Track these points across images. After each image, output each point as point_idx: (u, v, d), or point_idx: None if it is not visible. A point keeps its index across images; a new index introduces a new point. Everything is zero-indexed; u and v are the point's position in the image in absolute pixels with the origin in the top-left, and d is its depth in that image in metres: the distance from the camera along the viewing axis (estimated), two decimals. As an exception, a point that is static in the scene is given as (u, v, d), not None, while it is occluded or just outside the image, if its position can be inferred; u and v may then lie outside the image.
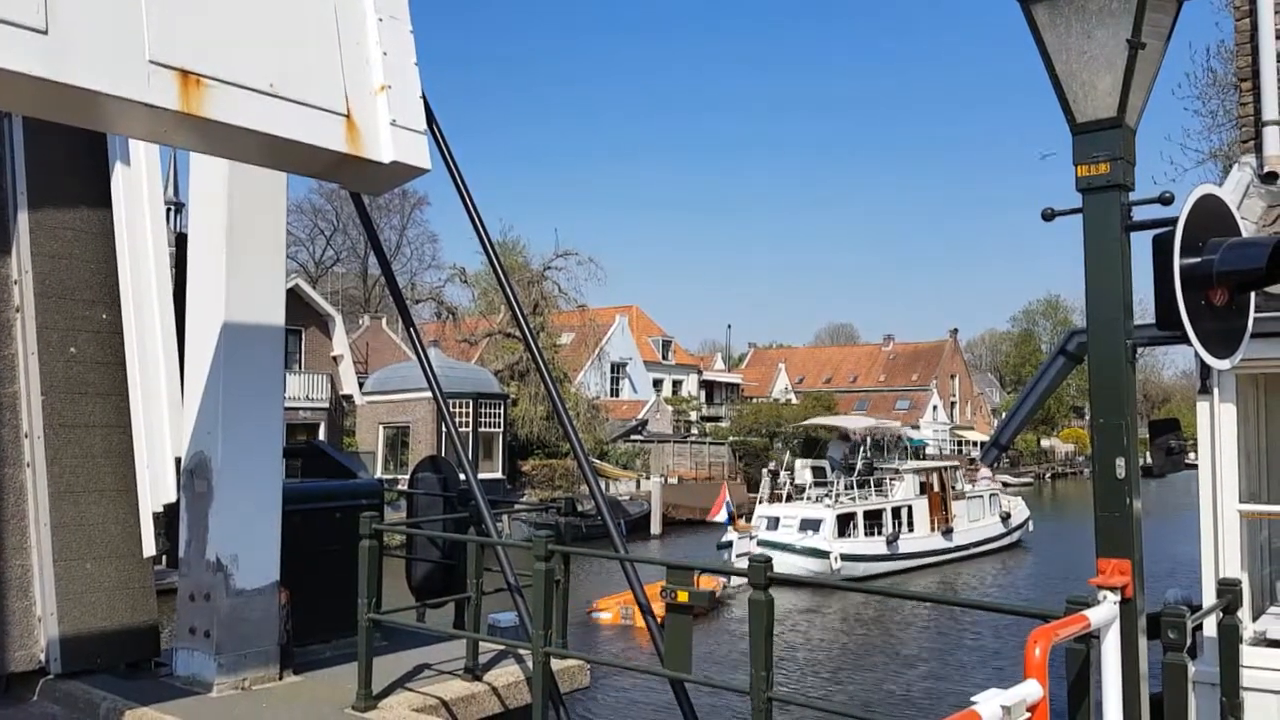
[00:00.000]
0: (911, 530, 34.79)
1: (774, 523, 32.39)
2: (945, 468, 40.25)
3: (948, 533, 36.34)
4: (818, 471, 37.08)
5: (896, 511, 34.55)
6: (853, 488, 34.69)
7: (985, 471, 46.18)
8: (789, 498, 35.39)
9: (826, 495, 34.18)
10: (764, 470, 41.12)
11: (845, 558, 31.12)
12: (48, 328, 6.93)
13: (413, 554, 8.04)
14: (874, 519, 33.63)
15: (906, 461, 40.50)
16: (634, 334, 73.13)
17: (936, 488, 37.08)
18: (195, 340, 6.86)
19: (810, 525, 31.81)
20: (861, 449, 38.64)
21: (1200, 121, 19.31)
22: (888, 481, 36.15)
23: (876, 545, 32.95)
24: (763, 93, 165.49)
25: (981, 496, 40.13)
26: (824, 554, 30.71)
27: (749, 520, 34.51)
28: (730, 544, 31.03)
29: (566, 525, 7.11)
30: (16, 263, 6.99)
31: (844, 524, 32.42)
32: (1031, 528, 41.57)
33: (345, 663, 6.79)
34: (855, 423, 43.94)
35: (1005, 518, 40.27)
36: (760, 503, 35.35)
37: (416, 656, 7.19)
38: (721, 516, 33.19)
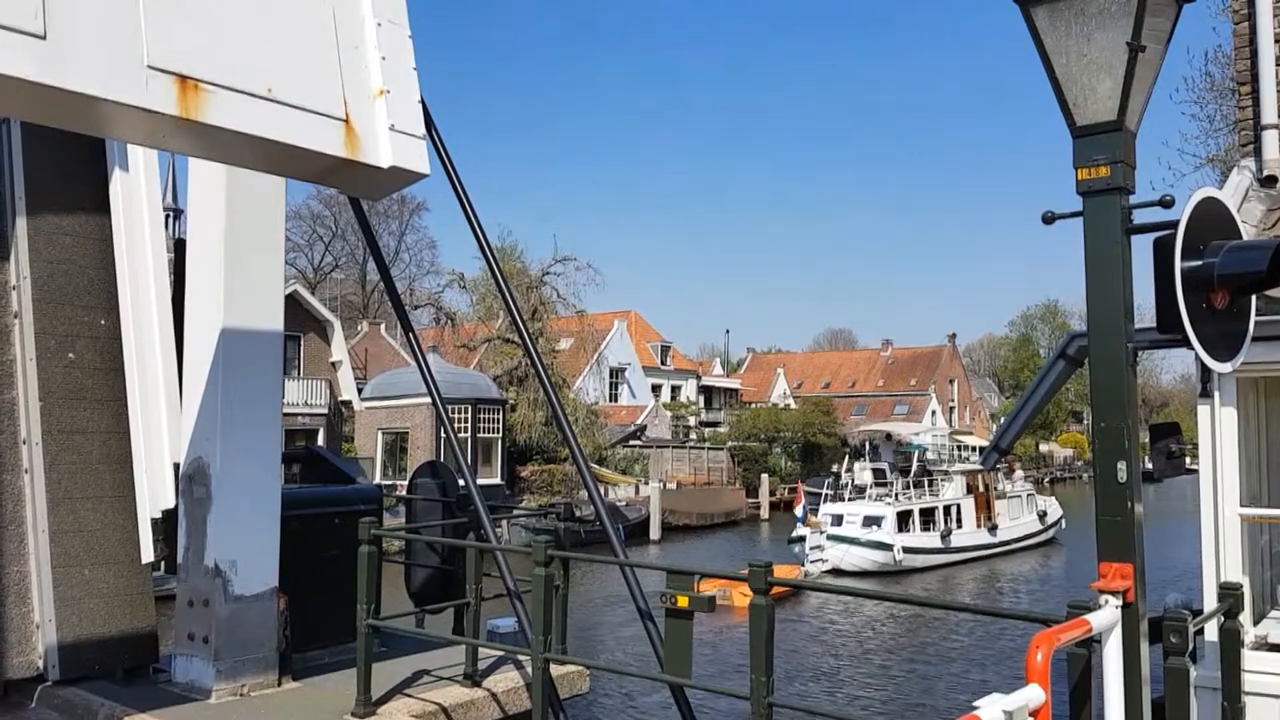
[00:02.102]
0: (961, 526, 38.14)
1: (838, 519, 35.60)
2: (988, 469, 42.73)
3: (993, 529, 39.88)
4: (878, 473, 41.01)
5: (948, 509, 38.03)
6: (909, 488, 38.50)
7: (1020, 473, 49.82)
8: (849, 497, 38.91)
9: (886, 494, 38.02)
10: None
11: (907, 550, 34.56)
12: (46, 333, 6.92)
13: (412, 560, 8.03)
14: (928, 516, 37.02)
15: (954, 464, 44.09)
16: (633, 339, 73.11)
17: (981, 488, 40.61)
18: (194, 346, 6.85)
19: (873, 521, 35.16)
20: (917, 453, 43.30)
21: (1198, 126, 19.43)
22: (938, 481, 39.90)
23: (933, 540, 36.43)
24: (762, 97, 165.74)
25: (1020, 496, 43.88)
26: (888, 547, 34.08)
27: (814, 515, 37.61)
28: (803, 538, 35.00)
29: (565, 530, 7.10)
30: (15, 268, 6.98)
31: (902, 520, 35.76)
32: (1064, 525, 44.20)
33: (344, 669, 6.78)
34: (907, 429, 49.74)
35: (1042, 515, 43.68)
36: (825, 501, 38.78)
37: (416, 662, 7.17)
38: (798, 511, 37.53)
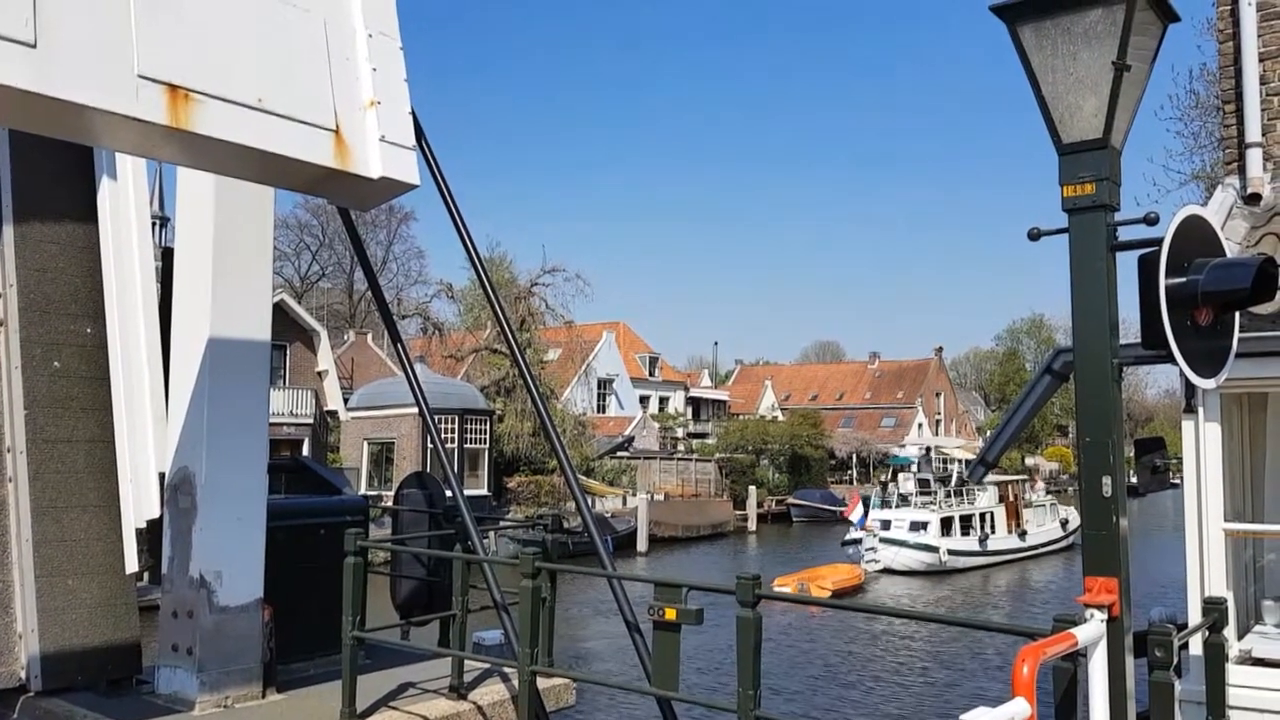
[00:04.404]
0: (994, 532, 42.50)
1: (886, 524, 39.75)
2: (1017, 480, 48.95)
3: (1022, 535, 44.16)
4: (922, 483, 45.56)
5: (983, 516, 42.41)
6: (949, 496, 43.10)
7: (1041, 485, 54.66)
8: (895, 505, 42.99)
9: (930, 502, 42.29)
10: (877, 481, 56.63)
11: (950, 552, 38.65)
12: (32, 342, 6.88)
13: (398, 571, 7.99)
14: (966, 522, 41.45)
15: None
16: (621, 350, 73.14)
17: (1011, 498, 45.08)
18: (180, 355, 6.82)
19: (919, 526, 39.20)
20: (960, 465, 49.10)
21: (1182, 143, 19.58)
22: (974, 491, 44.04)
23: (971, 543, 40.71)
24: (749, 108, 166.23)
25: (1044, 505, 48.42)
26: (934, 549, 38.22)
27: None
28: (858, 541, 39.93)
29: (553, 542, 7.08)
30: (1, 276, 6.95)
31: (945, 526, 39.84)
32: None
33: (329, 681, 6.74)
34: (949, 441, 57.08)
35: (1064, 523, 47.29)
36: (873, 508, 43.28)
37: (401, 675, 7.14)
38: (855, 516, 42.56)
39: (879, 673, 21.39)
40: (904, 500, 43.38)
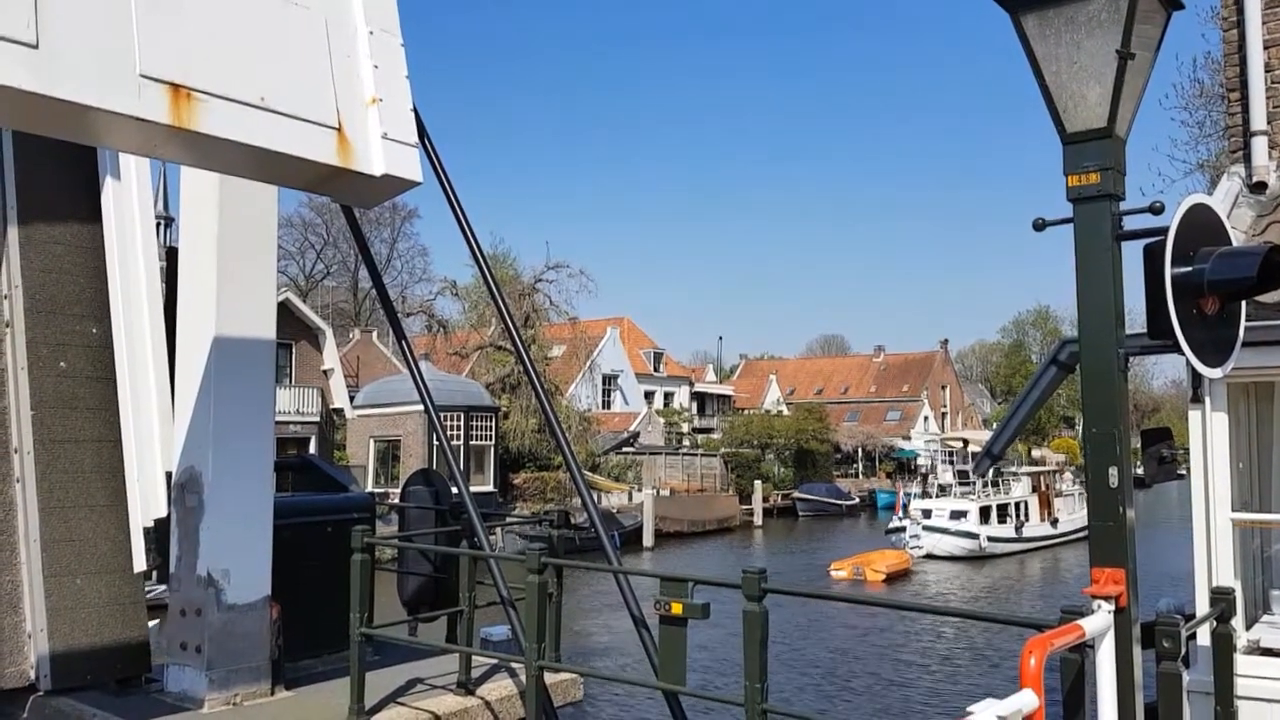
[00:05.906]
0: (1029, 520, 45.25)
1: (927, 513, 42.61)
2: (1050, 471, 52.10)
3: (1054, 522, 46.76)
4: (961, 475, 48.34)
5: (1018, 505, 45.06)
6: (987, 486, 45.58)
7: (1069, 475, 57.14)
8: (935, 495, 46.52)
9: (969, 492, 44.99)
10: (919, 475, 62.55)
11: (989, 539, 41.06)
12: (38, 342, 6.90)
13: (404, 568, 8.01)
14: (1002, 510, 43.99)
15: (1022, 467, 51.63)
16: (625, 346, 73.17)
17: (1044, 488, 47.96)
18: (186, 354, 6.83)
19: (958, 515, 41.83)
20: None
21: (1187, 132, 19.44)
22: (1008, 481, 46.88)
23: (1008, 530, 43.18)
24: (752, 104, 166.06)
25: (1074, 494, 50.68)
26: (974, 536, 40.69)
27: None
28: (903, 528, 42.94)
29: (559, 538, 7.09)
30: (6, 277, 6.96)
31: (983, 514, 42.36)
32: None
33: (337, 677, 6.76)
34: (974, 435, 60.17)
35: None
36: (914, 498, 47.39)
37: (409, 671, 7.16)
38: (900, 507, 47.09)
39: (889, 664, 21.40)
40: (943, 490, 46.63)
